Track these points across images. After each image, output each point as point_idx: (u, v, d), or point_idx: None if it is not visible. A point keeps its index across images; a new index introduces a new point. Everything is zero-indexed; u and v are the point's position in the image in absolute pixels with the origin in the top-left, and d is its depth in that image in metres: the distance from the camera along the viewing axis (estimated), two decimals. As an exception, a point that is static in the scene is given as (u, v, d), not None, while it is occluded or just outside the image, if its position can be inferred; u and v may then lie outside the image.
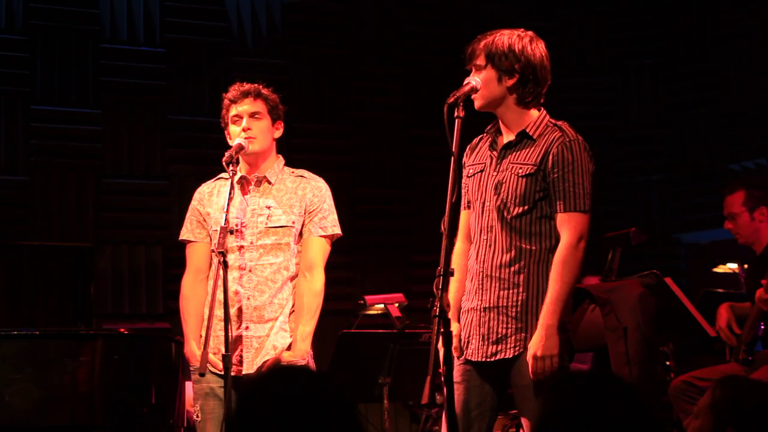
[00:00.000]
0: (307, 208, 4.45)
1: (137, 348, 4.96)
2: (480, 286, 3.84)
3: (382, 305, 6.09)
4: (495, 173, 3.87)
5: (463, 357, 3.85)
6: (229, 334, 4.17)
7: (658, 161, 8.53)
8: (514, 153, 3.85)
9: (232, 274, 4.32)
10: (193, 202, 4.57)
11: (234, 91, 4.49)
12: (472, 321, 3.85)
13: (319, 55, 8.18)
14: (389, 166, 8.30)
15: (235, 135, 4.45)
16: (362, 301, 6.21)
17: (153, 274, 7.56)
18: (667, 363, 6.09)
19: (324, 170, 4.80)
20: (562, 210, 3.77)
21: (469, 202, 3.96)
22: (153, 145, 7.65)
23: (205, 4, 7.89)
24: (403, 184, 8.30)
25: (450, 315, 3.56)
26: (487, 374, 3.84)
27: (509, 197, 3.80)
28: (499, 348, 3.79)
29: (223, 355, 4.16)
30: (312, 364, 4.46)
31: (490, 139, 3.96)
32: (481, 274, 3.84)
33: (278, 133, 4.54)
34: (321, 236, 4.45)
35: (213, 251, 4.33)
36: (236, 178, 4.40)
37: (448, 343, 3.47)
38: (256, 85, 4.50)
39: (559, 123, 3.88)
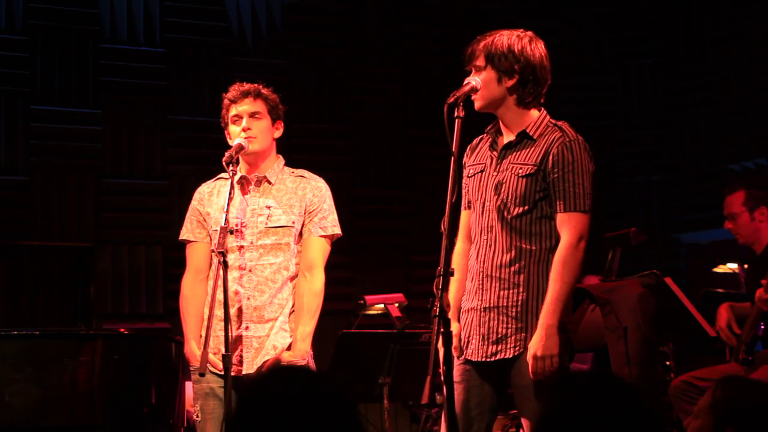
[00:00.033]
0: (307, 208, 4.45)
1: (137, 348, 4.96)
2: (480, 286, 3.84)
3: (382, 305, 6.09)
4: (495, 173, 3.87)
5: (463, 357, 3.85)
6: (229, 334, 4.17)
7: (658, 161, 8.53)
8: (515, 153, 3.86)
9: (232, 274, 4.32)
10: (193, 202, 4.57)
11: (234, 91, 4.49)
12: (472, 321, 3.85)
13: (319, 55, 8.18)
14: (389, 166, 8.30)
15: (235, 135, 4.45)
16: (362, 301, 6.21)
17: (153, 274, 7.56)
18: (667, 363, 6.09)
19: (324, 170, 4.80)
20: (562, 210, 3.77)
21: (469, 202, 3.96)
22: (153, 145, 7.65)
23: (205, 4, 7.89)
24: (403, 184, 8.30)
25: (450, 315, 3.57)
26: (487, 374, 3.84)
27: (509, 197, 3.81)
28: (499, 348, 3.79)
29: (223, 355, 4.16)
30: (312, 364, 4.46)
31: (490, 139, 3.96)
32: (481, 274, 3.84)
33: (278, 133, 4.54)
34: (321, 236, 4.45)
35: (213, 251, 4.33)
36: (236, 178, 4.40)
37: (448, 343, 3.47)
38: (256, 85, 4.50)
39: (560, 123, 3.88)
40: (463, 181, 3.99)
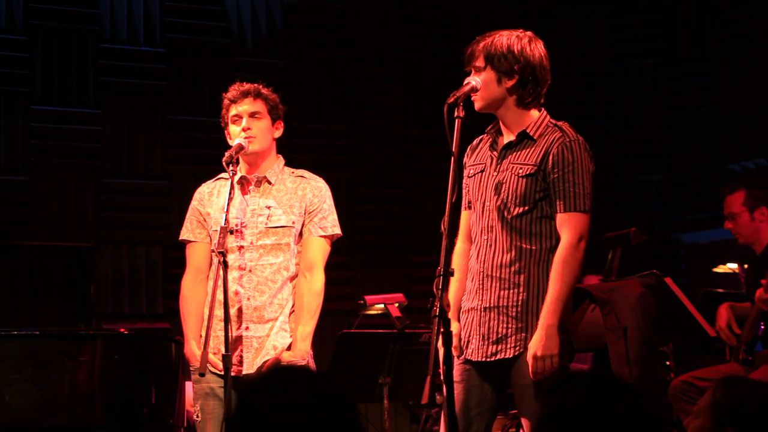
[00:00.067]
0: (307, 208, 4.45)
1: (137, 348, 4.96)
2: (480, 286, 3.84)
3: (382, 305, 6.09)
4: (495, 173, 3.87)
5: (463, 356, 3.85)
6: (229, 334, 4.17)
7: (658, 161, 8.53)
8: (515, 153, 3.86)
9: (232, 274, 4.32)
10: (193, 202, 4.57)
11: (234, 91, 4.48)
12: (472, 321, 3.85)
13: (319, 55, 8.18)
14: (389, 166, 8.30)
15: (235, 135, 4.45)
16: (362, 301, 6.21)
17: (153, 274, 7.56)
18: (667, 363, 6.09)
19: (324, 170, 4.80)
20: (563, 210, 3.77)
21: (469, 202, 3.96)
22: (153, 145, 7.65)
23: (205, 4, 7.89)
24: (403, 184, 8.30)
25: (450, 315, 3.57)
26: (487, 374, 3.84)
27: (509, 197, 3.81)
28: (499, 348, 3.79)
29: (223, 355, 4.16)
30: (312, 364, 4.46)
31: (490, 139, 3.96)
32: (481, 273, 3.84)
33: (278, 133, 4.54)
34: (321, 236, 4.45)
35: (213, 251, 4.33)
36: (236, 178, 4.40)
37: (448, 343, 3.47)
38: (256, 84, 4.49)
39: (560, 123, 3.88)
40: (464, 181, 3.99)
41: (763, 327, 5.50)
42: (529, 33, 3.90)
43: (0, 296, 6.96)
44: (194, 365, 4.34)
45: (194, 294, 4.46)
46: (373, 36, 8.34)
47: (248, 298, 4.37)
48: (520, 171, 3.81)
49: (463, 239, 3.98)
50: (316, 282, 4.40)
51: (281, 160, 4.55)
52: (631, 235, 5.62)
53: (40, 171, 7.36)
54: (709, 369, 5.50)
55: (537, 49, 3.86)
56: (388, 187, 8.28)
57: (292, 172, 4.53)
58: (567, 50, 8.51)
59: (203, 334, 4.30)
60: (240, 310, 4.36)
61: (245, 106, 4.45)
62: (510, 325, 3.79)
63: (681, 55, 8.47)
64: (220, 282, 4.15)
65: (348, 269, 7.88)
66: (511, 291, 3.79)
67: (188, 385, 4.82)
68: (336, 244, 4.56)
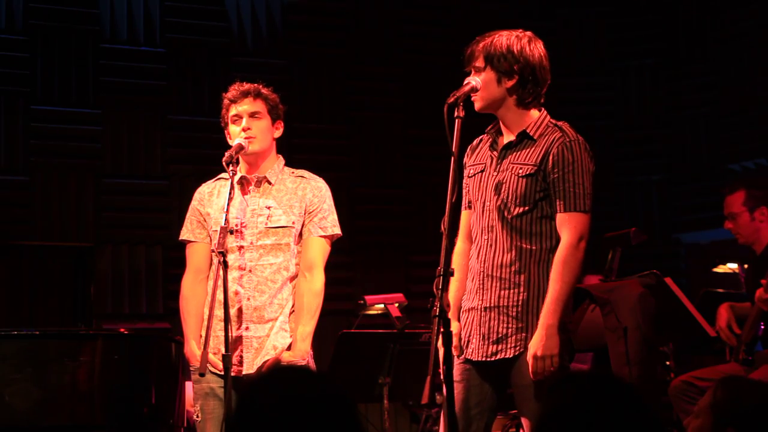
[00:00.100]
0: (307, 208, 4.45)
1: (137, 348, 4.95)
2: (481, 286, 3.84)
3: (382, 305, 6.09)
4: (495, 173, 3.87)
5: (463, 356, 3.85)
6: (229, 335, 4.17)
7: (658, 161, 8.53)
8: (515, 153, 3.86)
9: (232, 275, 4.32)
10: (193, 203, 4.57)
11: (234, 90, 4.48)
12: (472, 320, 3.86)
13: (319, 55, 8.18)
14: (389, 166, 8.30)
15: (235, 135, 4.45)
16: (362, 301, 6.21)
17: (153, 274, 7.56)
18: (667, 363, 6.09)
19: (324, 170, 4.80)
20: (563, 210, 3.78)
21: (469, 202, 3.96)
22: (153, 145, 7.65)
23: (205, 4, 7.89)
24: (403, 184, 8.30)
25: (450, 314, 3.57)
26: (487, 374, 3.84)
27: (510, 197, 3.81)
28: (500, 348, 3.79)
29: (223, 355, 4.16)
30: (312, 364, 4.46)
31: (490, 139, 3.96)
32: (481, 273, 3.84)
33: (278, 133, 4.54)
34: (321, 236, 4.45)
35: (213, 251, 4.33)
36: (236, 178, 4.40)
37: (448, 343, 3.47)
38: (255, 84, 4.49)
39: (560, 123, 3.88)
40: (464, 181, 3.99)
41: (763, 327, 5.50)
42: (528, 33, 3.90)
43: (0, 296, 6.96)
44: (194, 365, 4.34)
45: (194, 294, 4.46)
46: (373, 36, 8.35)
47: (248, 298, 4.37)
48: (520, 171, 3.81)
49: (463, 239, 3.98)
50: (316, 282, 4.40)
51: (281, 160, 4.55)
52: (631, 235, 5.62)
53: (40, 171, 7.36)
54: (709, 369, 5.50)
55: (537, 49, 3.86)
56: (388, 187, 8.28)
57: (292, 172, 4.53)
58: (567, 50, 8.51)
59: (203, 334, 4.30)
60: (240, 310, 4.36)
61: (245, 106, 4.45)
62: (510, 325, 3.79)
63: (681, 55, 8.47)
64: (220, 282, 4.15)
65: (348, 269, 7.88)
66: (512, 291, 3.79)
67: (188, 385, 4.82)
68: (336, 244, 4.56)
